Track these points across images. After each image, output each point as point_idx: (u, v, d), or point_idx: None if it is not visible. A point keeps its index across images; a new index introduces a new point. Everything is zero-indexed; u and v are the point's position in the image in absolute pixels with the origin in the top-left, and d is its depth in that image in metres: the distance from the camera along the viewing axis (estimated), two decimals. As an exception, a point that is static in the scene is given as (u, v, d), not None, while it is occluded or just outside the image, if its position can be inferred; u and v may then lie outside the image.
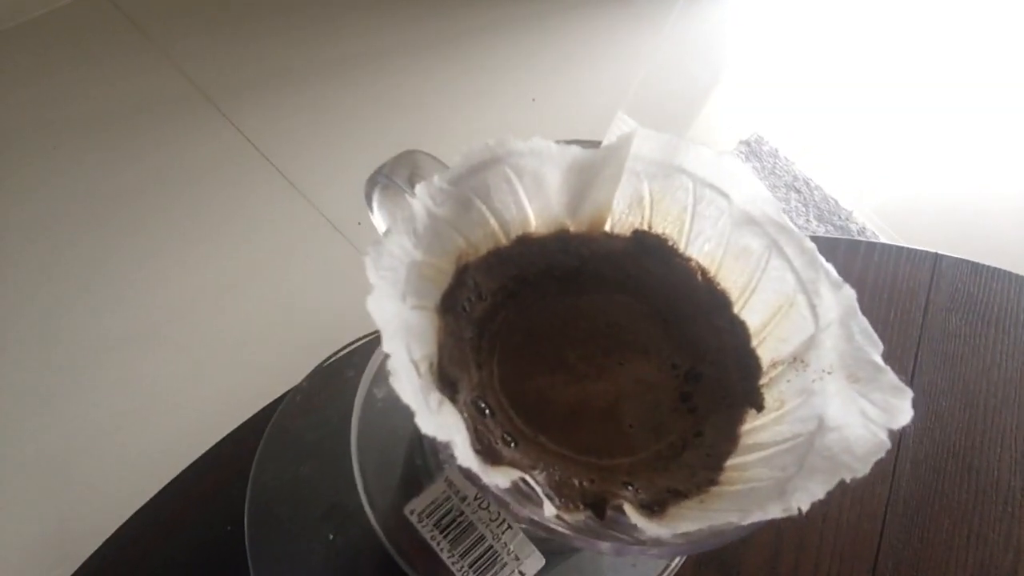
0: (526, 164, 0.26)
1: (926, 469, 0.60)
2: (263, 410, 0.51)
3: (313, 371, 0.45)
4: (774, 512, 0.21)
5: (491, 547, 0.30)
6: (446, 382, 0.25)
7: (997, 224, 1.47)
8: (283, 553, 0.42)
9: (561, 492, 0.24)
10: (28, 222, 1.21)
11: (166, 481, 0.49)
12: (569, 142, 0.27)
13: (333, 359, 0.46)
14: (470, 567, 0.29)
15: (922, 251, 0.73)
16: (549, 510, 0.22)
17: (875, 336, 0.24)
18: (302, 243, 1.27)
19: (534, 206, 0.28)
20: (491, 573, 0.30)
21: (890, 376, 0.23)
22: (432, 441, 0.25)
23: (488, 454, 0.24)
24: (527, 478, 0.22)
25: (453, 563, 0.29)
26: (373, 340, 0.48)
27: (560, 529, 0.22)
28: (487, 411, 0.26)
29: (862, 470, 0.22)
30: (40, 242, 1.19)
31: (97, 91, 1.37)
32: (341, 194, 1.32)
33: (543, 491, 0.22)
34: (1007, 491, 0.59)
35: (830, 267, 0.26)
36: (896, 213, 1.49)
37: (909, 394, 0.23)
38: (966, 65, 1.78)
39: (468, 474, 0.21)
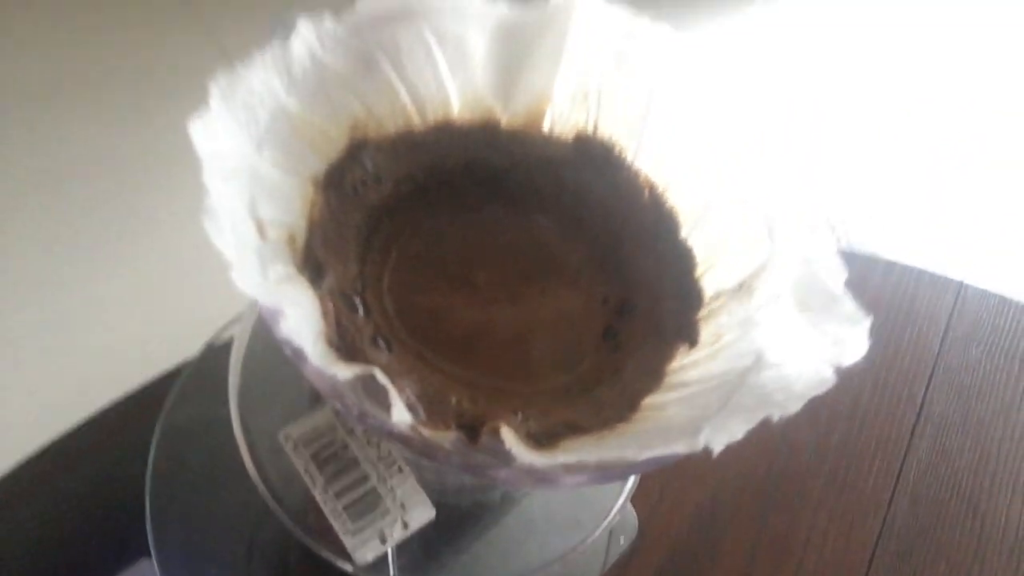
0: (447, 25, 0.22)
1: (926, 506, 0.54)
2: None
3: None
4: (678, 448, 0.17)
5: (374, 489, 0.25)
6: (311, 264, 0.20)
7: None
8: (185, 502, 0.37)
9: (432, 407, 0.20)
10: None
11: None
12: (497, -2, 0.23)
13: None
14: (344, 509, 0.25)
15: (946, 277, 0.67)
16: (401, 415, 0.17)
17: (839, 261, 0.20)
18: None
19: (457, 82, 0.23)
20: (368, 518, 0.25)
21: (847, 305, 0.19)
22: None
23: (347, 352, 0.20)
24: (377, 374, 0.17)
25: (325, 502, 0.25)
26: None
27: (411, 442, 0.18)
28: (360, 308, 0.21)
29: (793, 408, 0.17)
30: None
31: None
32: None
33: (402, 396, 0.18)
34: (1015, 540, 0.53)
35: (804, 190, 0.21)
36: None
37: (865, 324, 0.18)
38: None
39: (298, 355, 0.17)
